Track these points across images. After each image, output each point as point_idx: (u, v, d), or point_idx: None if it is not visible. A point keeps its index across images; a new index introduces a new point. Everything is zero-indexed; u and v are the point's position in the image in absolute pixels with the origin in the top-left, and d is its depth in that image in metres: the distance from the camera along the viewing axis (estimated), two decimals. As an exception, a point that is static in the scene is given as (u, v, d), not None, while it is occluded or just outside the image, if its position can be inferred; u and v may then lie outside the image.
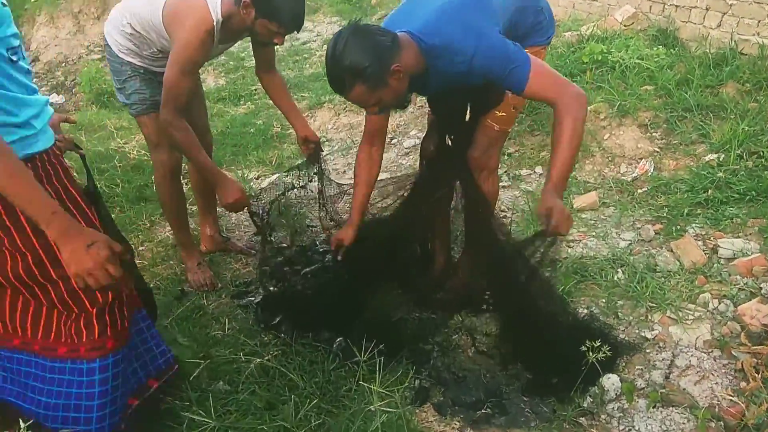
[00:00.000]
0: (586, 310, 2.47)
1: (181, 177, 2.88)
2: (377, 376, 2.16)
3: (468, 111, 2.40)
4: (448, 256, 2.80)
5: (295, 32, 2.35)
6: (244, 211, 2.68)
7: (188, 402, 2.06)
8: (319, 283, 2.69)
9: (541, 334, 2.23)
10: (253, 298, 2.78)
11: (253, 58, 2.80)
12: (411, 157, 4.28)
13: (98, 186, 3.75)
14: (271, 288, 2.77)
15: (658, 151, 3.49)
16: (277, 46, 2.56)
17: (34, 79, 1.64)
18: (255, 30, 2.30)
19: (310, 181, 2.96)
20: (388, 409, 1.91)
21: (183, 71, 2.27)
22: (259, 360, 2.31)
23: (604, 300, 2.51)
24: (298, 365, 2.27)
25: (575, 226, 3.08)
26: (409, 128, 4.65)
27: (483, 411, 2.08)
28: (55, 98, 7.54)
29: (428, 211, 2.63)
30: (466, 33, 1.88)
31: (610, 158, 3.56)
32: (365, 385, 2.14)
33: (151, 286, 2.85)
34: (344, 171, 4.27)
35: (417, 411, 2.10)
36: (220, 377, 2.26)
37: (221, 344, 2.46)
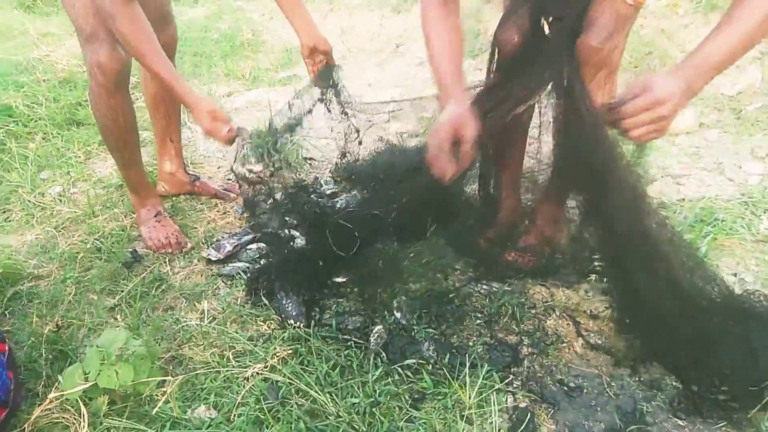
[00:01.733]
0: (733, 278, 1.70)
1: (130, 88, 1.92)
2: (447, 391, 1.40)
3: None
4: (519, 201, 1.97)
5: None
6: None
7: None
8: (339, 244, 1.84)
9: (683, 317, 1.46)
10: (241, 265, 1.91)
11: None
12: (426, 67, 3.35)
13: (14, 106, 2.78)
14: (271, 247, 1.93)
15: (760, 57, 2.68)
16: None
17: None
18: None
19: (322, 102, 2.06)
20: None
21: None
22: (259, 367, 1.49)
23: (755, 261, 1.74)
24: (321, 375, 1.46)
25: (677, 157, 2.28)
26: (420, 33, 3.68)
27: (623, 448, 1.32)
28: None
29: (498, 133, 1.77)
30: None
31: (698, 66, 2.73)
32: (432, 408, 1.37)
33: (89, 246, 1.96)
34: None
35: (518, 449, 1.33)
36: (198, 398, 1.44)
37: (198, 340, 1.62)
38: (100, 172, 2.45)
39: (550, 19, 1.61)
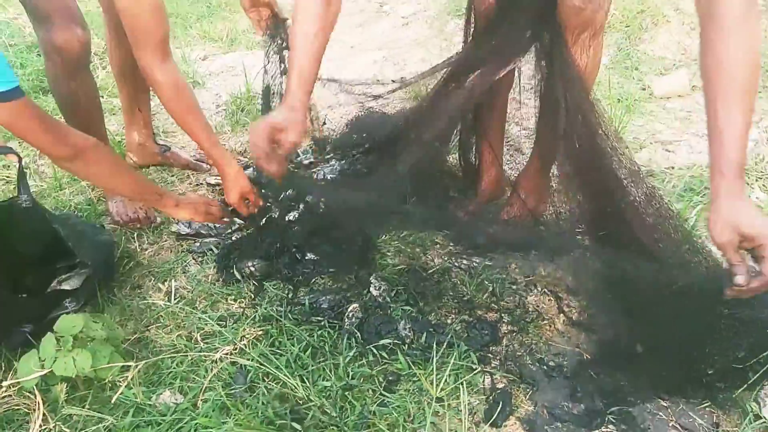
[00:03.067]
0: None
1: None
2: (422, 372, 1.35)
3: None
4: (501, 170, 1.89)
5: None
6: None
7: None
8: (311, 218, 1.76)
9: (667, 290, 1.40)
10: (212, 240, 1.84)
11: None
12: (411, 28, 3.22)
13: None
14: (242, 221, 1.85)
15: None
16: None
17: None
18: None
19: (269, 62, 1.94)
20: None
21: None
22: (228, 350, 1.43)
23: (744, 233, 1.68)
24: (292, 358, 1.40)
25: (666, 121, 2.20)
26: (405, -11, 3.53)
27: (603, 430, 1.28)
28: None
29: (477, 98, 1.67)
30: None
31: (692, 25, 2.62)
32: (406, 390, 1.32)
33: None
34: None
35: (496, 432, 1.28)
36: (164, 383, 1.38)
37: (165, 321, 1.55)
38: (67, 143, 2.34)
39: (529, -24, 1.51)
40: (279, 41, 1.87)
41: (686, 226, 1.67)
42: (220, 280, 1.69)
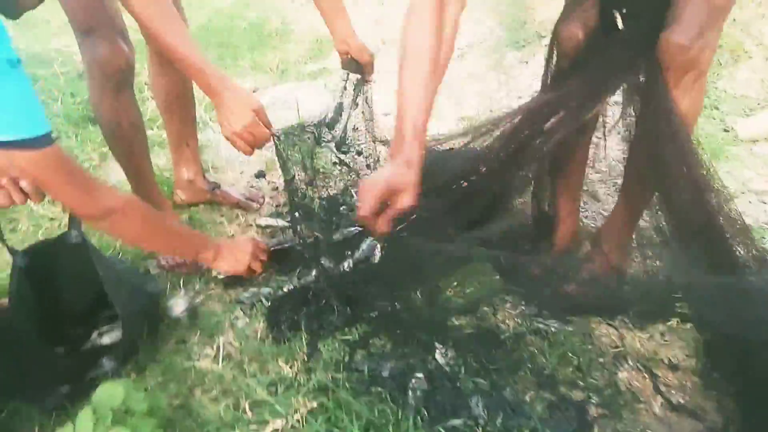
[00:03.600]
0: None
1: (134, 87, 1.72)
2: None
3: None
4: (578, 222, 1.72)
5: None
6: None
7: None
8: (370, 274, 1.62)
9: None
10: (263, 290, 1.69)
11: None
12: (467, 60, 3.08)
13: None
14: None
15: None
16: None
17: None
18: None
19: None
20: None
21: None
22: (280, 424, 1.28)
23: None
24: (352, 437, 1.24)
25: (756, 168, 1.99)
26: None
27: None
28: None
29: (560, 138, 1.50)
30: None
31: (779, 60, 2.41)
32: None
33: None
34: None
35: None
36: (208, 460, 1.24)
37: (210, 385, 1.41)
38: (114, 178, 2.26)
39: (624, 10, 1.35)
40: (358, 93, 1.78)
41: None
42: (270, 336, 1.55)
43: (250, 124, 1.43)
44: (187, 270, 1.78)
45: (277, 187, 2.21)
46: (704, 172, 1.37)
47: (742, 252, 1.35)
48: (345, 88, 1.88)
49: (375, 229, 1.24)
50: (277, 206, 2.10)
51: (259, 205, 2.09)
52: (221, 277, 1.74)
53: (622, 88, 1.45)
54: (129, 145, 1.70)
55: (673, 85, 1.30)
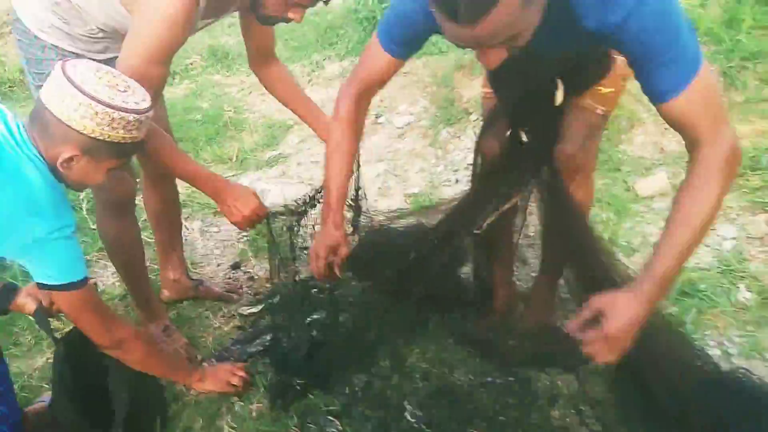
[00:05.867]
0: (718, 352, 1.81)
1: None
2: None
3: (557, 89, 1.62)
4: (512, 288, 2.08)
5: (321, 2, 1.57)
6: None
7: None
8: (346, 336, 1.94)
9: (681, 398, 1.56)
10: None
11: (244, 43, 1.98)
12: (407, 139, 3.48)
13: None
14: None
15: (722, 113, 2.84)
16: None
17: None
18: (258, 1, 1.51)
19: None
20: None
21: (154, 60, 1.45)
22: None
23: (737, 332, 1.85)
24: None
25: (654, 222, 2.41)
26: (396, 102, 3.82)
27: None
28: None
29: (488, 230, 1.87)
30: None
31: (665, 126, 2.87)
32: None
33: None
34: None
35: None
36: None
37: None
38: (102, 283, 2.50)
39: (527, 129, 1.74)
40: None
41: (685, 331, 1.85)
42: (265, 416, 1.81)
43: (257, 207, 1.76)
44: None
45: (252, 276, 2.49)
46: (600, 243, 1.75)
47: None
48: None
49: (328, 276, 1.71)
50: (255, 294, 2.38)
51: (239, 296, 2.36)
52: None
53: (534, 187, 1.84)
54: (129, 259, 1.97)
55: (568, 183, 1.69)
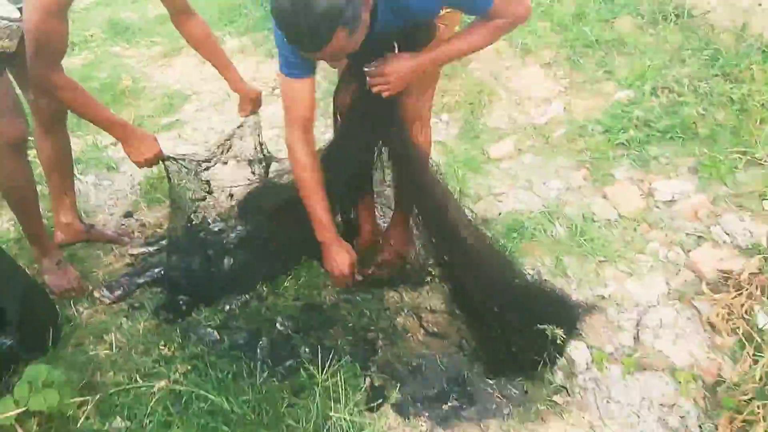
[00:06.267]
0: (533, 272, 2.25)
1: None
2: (318, 380, 1.80)
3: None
4: (375, 225, 2.43)
5: None
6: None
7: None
8: (230, 267, 2.22)
9: (494, 304, 1.97)
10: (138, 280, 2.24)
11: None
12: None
13: None
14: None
15: (564, 91, 3.36)
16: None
17: None
18: None
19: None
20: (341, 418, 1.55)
21: (52, 12, 1.66)
22: (164, 382, 1.81)
23: (549, 258, 2.31)
24: (217, 383, 1.81)
25: (499, 178, 2.86)
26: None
27: (449, 404, 1.79)
28: None
29: (349, 174, 2.21)
30: None
31: (518, 101, 3.37)
32: (308, 395, 1.77)
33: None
34: (222, 130, 3.64)
35: (375, 416, 1.76)
36: (114, 413, 1.74)
37: (108, 367, 1.91)
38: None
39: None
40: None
41: (508, 255, 2.28)
42: (149, 332, 2.06)
43: (157, 150, 2.03)
44: (75, 293, 2.23)
45: (144, 224, 2.70)
46: (438, 181, 2.12)
47: (467, 233, 2.12)
48: (240, 126, 2.44)
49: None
50: (145, 238, 2.60)
51: (130, 239, 2.57)
52: (96, 296, 2.22)
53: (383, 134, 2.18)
54: (24, 198, 2.14)
55: (410, 129, 2.05)
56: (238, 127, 2.46)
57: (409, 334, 2.04)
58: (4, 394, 1.63)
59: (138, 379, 1.85)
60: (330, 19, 1.37)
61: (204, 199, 2.46)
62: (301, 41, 1.43)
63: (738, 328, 1.79)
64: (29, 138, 2.15)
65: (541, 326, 1.84)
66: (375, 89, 1.78)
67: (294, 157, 1.89)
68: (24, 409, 1.56)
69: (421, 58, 1.75)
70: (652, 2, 3.59)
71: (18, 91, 2.13)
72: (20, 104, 2.06)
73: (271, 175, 2.77)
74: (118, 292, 2.24)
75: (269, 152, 2.60)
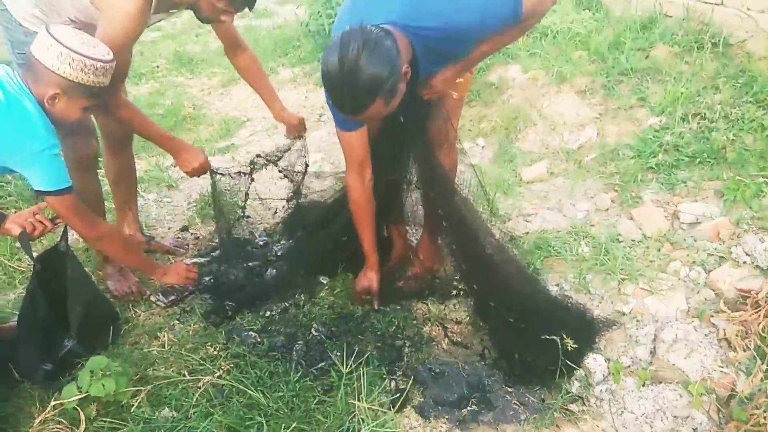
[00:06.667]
0: (556, 287, 2.35)
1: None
2: (347, 380, 1.95)
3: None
4: (406, 241, 2.58)
5: (247, 9, 2.06)
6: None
7: (131, 439, 1.74)
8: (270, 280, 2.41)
9: (516, 316, 2.07)
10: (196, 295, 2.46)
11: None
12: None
13: None
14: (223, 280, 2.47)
15: (598, 117, 3.45)
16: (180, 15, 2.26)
17: None
18: (196, 4, 2.00)
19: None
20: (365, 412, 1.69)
21: (118, 46, 1.92)
22: (209, 378, 2.00)
23: (573, 275, 2.40)
24: (256, 379, 1.99)
25: (529, 199, 2.97)
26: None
27: (468, 408, 1.91)
28: None
29: (381, 194, 2.38)
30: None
31: (552, 126, 3.48)
32: (336, 393, 1.92)
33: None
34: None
35: (397, 416, 1.89)
36: (163, 403, 1.94)
37: (160, 363, 2.12)
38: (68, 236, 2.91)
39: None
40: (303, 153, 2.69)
41: (532, 271, 2.38)
42: (199, 333, 2.27)
43: (204, 161, 2.28)
44: (134, 297, 2.48)
45: (198, 237, 2.95)
46: (466, 203, 2.26)
47: (491, 247, 2.25)
48: (288, 149, 2.67)
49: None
50: (198, 250, 2.84)
51: (185, 251, 2.82)
52: (152, 300, 2.46)
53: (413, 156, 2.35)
54: (93, 210, 2.40)
55: (437, 152, 2.21)
56: (286, 151, 2.68)
57: (434, 343, 2.17)
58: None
59: (186, 374, 2.05)
60: (370, 90, 1.58)
61: (244, 208, 2.68)
62: (342, 106, 1.66)
63: (753, 344, 1.84)
64: (99, 157, 2.44)
65: (560, 338, 1.94)
66: (426, 97, 2.02)
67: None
68: (86, 394, 1.78)
69: (458, 65, 1.94)
70: (689, 31, 3.65)
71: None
72: (92, 126, 2.34)
73: (312, 194, 3.00)
74: (172, 298, 2.46)
75: (308, 168, 2.78)
